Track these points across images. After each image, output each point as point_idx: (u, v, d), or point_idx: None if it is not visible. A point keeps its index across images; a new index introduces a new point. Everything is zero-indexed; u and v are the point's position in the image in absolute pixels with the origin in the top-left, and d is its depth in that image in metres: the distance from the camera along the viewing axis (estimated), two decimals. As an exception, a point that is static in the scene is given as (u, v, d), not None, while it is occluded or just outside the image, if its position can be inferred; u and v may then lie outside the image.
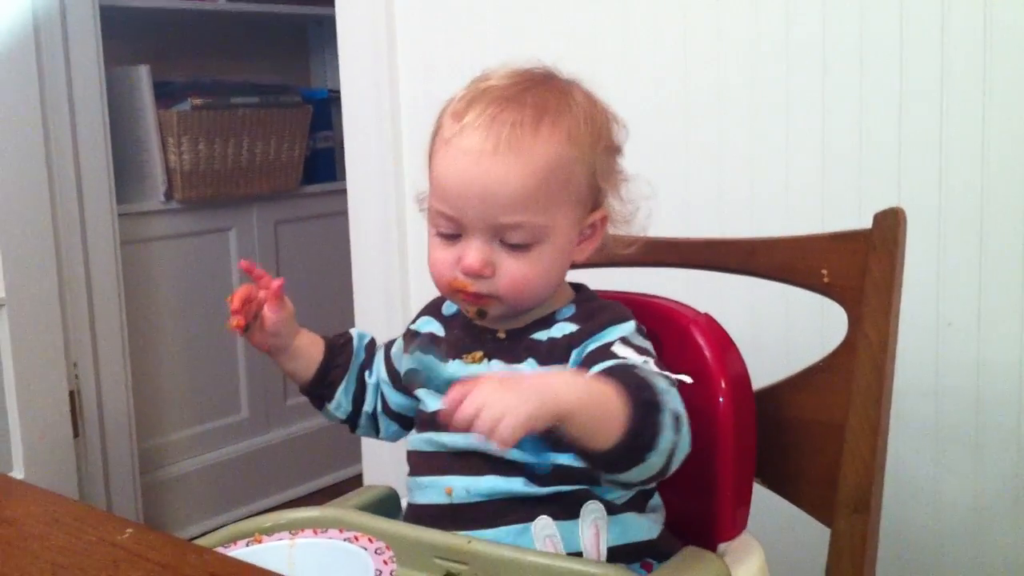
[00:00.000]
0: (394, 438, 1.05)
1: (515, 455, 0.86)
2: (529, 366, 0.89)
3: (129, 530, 0.70)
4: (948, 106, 1.24)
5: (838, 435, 0.96)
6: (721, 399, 0.94)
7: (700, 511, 0.96)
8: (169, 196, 2.45)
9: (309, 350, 1.01)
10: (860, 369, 0.95)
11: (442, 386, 0.92)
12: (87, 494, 2.22)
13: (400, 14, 1.74)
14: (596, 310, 0.92)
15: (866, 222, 0.96)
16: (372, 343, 1.05)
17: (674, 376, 0.85)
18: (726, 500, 0.95)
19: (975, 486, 1.27)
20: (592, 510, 0.88)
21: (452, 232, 0.89)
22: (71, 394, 2.18)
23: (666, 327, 0.97)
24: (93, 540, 0.69)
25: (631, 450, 0.78)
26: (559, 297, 0.94)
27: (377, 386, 1.03)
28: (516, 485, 0.87)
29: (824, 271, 0.99)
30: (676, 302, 1.01)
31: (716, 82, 1.41)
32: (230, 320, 0.93)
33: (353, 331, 1.05)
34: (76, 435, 2.20)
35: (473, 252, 0.87)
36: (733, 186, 1.41)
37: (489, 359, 0.91)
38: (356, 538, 0.81)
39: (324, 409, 1.03)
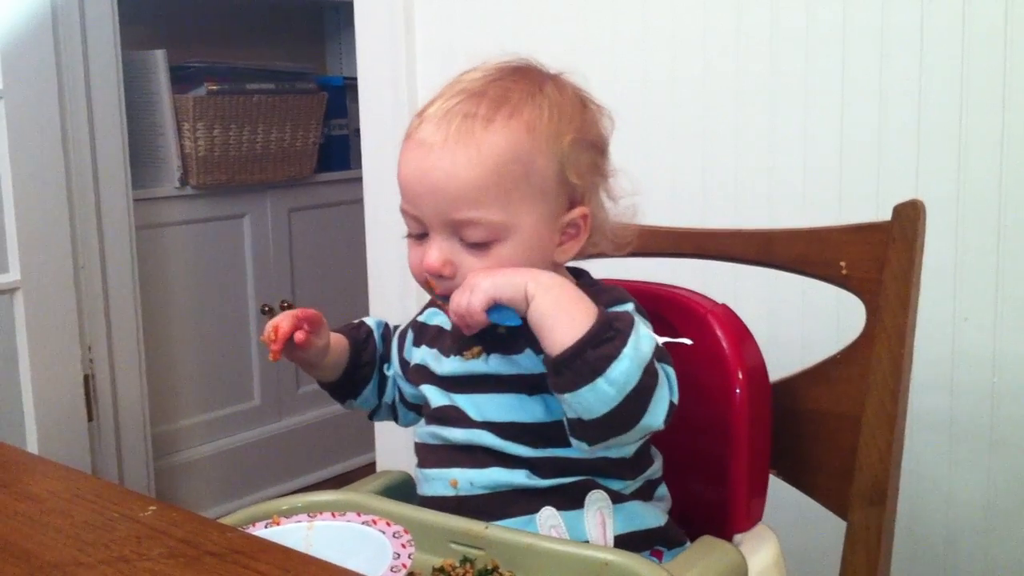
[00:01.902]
0: (413, 424, 1.05)
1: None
2: (527, 356, 0.87)
3: (152, 507, 0.70)
4: (967, 98, 1.23)
5: (854, 427, 0.96)
6: (738, 390, 0.94)
7: (715, 501, 0.96)
8: (184, 181, 2.45)
9: (335, 357, 0.99)
10: (877, 361, 0.95)
11: (442, 383, 0.92)
12: (100, 477, 2.23)
13: (418, 1, 1.74)
14: (593, 296, 0.88)
15: (883, 214, 0.96)
16: (388, 330, 1.05)
17: (674, 340, 0.84)
18: (741, 490, 0.95)
19: (989, 481, 1.27)
20: (596, 499, 0.87)
21: (419, 232, 0.87)
22: (85, 378, 2.20)
23: (683, 317, 0.97)
24: (116, 516, 0.70)
25: (580, 360, 0.75)
26: None
27: (394, 378, 1.03)
28: (519, 477, 0.87)
29: (842, 263, 0.98)
30: (694, 292, 1.01)
31: (734, 72, 1.40)
32: (265, 337, 0.91)
33: (370, 321, 1.04)
34: (90, 419, 2.22)
35: (433, 251, 0.85)
36: (751, 177, 1.40)
37: (488, 353, 0.90)
38: (374, 522, 0.82)
39: (347, 404, 1.03)
